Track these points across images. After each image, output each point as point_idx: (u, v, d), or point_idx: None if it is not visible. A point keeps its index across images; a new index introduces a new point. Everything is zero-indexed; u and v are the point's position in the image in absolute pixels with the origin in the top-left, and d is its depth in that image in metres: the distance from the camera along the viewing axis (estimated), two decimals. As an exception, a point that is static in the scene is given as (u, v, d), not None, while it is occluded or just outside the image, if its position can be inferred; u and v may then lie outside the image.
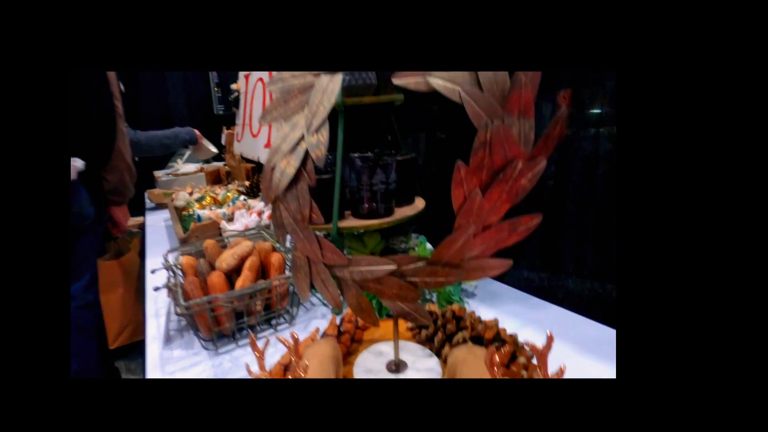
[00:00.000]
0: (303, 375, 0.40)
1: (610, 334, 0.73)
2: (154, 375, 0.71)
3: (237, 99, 1.69)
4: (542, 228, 0.47)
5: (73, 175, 1.18)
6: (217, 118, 2.81)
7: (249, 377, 0.51)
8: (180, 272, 0.88)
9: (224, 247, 0.93)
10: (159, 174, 2.11)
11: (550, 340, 0.38)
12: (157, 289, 0.82)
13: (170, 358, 0.76)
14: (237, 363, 0.73)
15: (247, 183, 1.56)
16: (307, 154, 0.54)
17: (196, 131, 1.99)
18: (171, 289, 0.77)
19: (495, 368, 0.42)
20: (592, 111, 0.82)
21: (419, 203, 0.92)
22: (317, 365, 0.50)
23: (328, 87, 0.54)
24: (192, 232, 1.16)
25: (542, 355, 0.37)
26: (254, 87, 1.58)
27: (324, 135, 0.54)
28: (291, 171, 0.55)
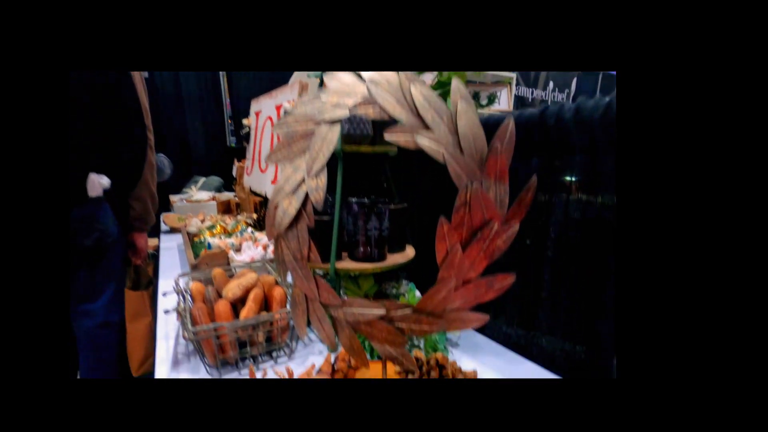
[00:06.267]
0: None
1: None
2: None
3: (248, 134, 1.72)
4: (519, 290, 0.44)
5: (99, 192, 1.18)
6: (230, 150, 2.85)
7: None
8: (189, 297, 0.88)
9: (231, 276, 0.94)
10: (175, 199, 2.13)
11: None
12: (167, 312, 0.82)
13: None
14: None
15: (254, 215, 1.58)
16: (307, 196, 0.55)
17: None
18: (180, 314, 0.77)
19: None
20: (566, 179, 0.84)
21: (410, 252, 0.94)
22: None
23: (328, 135, 0.55)
24: (202, 259, 1.17)
25: None
26: (263, 125, 1.60)
27: (322, 180, 0.55)
28: (292, 211, 0.56)
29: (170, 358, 0.84)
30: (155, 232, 1.90)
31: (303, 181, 0.55)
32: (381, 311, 0.54)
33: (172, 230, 1.85)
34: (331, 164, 0.78)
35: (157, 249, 1.77)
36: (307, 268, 0.56)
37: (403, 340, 0.54)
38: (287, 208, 0.56)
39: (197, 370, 0.80)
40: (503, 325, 0.94)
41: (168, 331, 0.96)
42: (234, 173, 1.94)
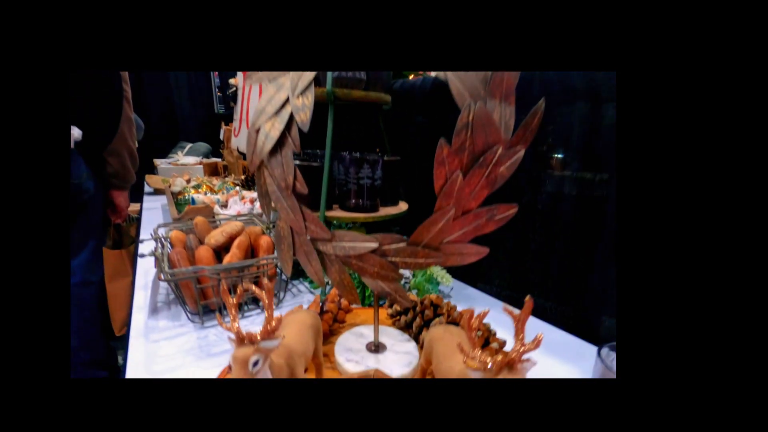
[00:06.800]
0: (272, 328, 0.36)
1: (569, 339, 0.74)
2: (137, 342, 0.68)
3: (235, 94, 1.65)
4: (512, 254, 0.41)
5: (70, 144, 1.12)
6: (218, 116, 2.75)
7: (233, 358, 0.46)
8: (168, 244, 0.84)
9: (215, 227, 0.90)
10: (159, 162, 2.05)
11: (528, 305, 0.35)
12: (142, 256, 0.78)
13: (155, 327, 0.73)
14: (222, 337, 0.70)
15: (242, 177, 1.52)
16: (292, 118, 0.51)
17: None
18: (158, 258, 0.73)
19: (471, 331, 0.38)
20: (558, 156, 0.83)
21: (403, 206, 0.91)
22: (296, 330, 0.47)
23: (315, 49, 0.50)
24: (186, 213, 1.12)
25: (520, 320, 0.34)
26: (251, 84, 1.53)
27: (309, 98, 0.50)
28: (275, 134, 0.51)
29: (147, 306, 0.80)
30: (138, 197, 1.83)
31: (287, 100, 0.51)
32: (373, 244, 0.51)
33: (156, 192, 1.78)
34: (320, 115, 0.74)
35: (139, 213, 1.70)
36: (292, 198, 0.52)
37: (397, 275, 0.51)
38: (269, 131, 0.51)
39: (178, 318, 0.76)
40: (495, 286, 0.92)
41: (147, 281, 0.92)
42: (221, 137, 1.87)
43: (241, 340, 0.34)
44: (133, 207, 1.67)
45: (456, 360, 0.43)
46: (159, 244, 0.81)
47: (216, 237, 0.79)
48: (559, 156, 0.83)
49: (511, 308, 0.34)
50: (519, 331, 0.34)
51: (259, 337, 0.35)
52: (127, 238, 1.62)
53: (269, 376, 0.37)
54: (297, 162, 0.77)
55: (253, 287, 0.38)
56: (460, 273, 0.97)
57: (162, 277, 0.66)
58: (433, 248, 0.49)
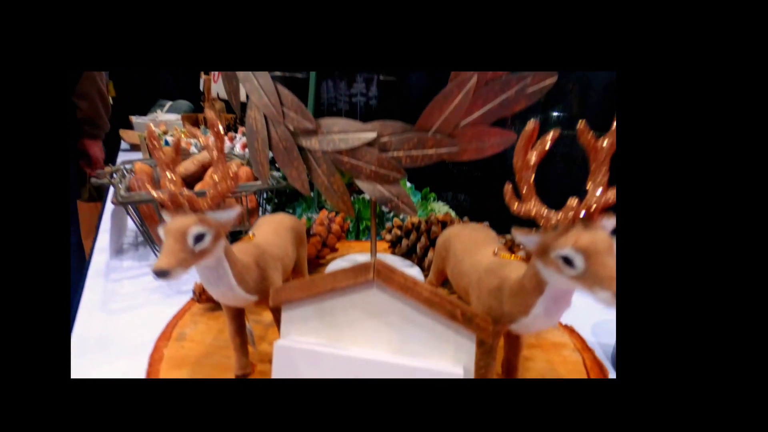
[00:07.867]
0: (224, 190, 0.26)
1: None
2: (95, 282, 0.58)
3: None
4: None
5: None
6: (198, 73, 2.58)
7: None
8: (131, 174, 0.72)
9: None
10: (136, 118, 1.90)
11: (612, 134, 0.24)
12: (97, 182, 0.67)
13: (118, 267, 0.62)
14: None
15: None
16: None
17: None
18: (114, 184, 0.62)
19: (526, 169, 0.26)
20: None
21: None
22: (271, 230, 0.37)
23: None
24: (159, 157, 1.00)
25: (602, 152, 0.22)
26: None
27: None
28: None
29: (109, 247, 0.69)
30: (113, 158, 1.69)
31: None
32: (370, 134, 0.40)
33: (133, 148, 1.65)
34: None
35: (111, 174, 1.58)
36: (266, 76, 0.41)
37: (400, 174, 0.41)
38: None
39: (145, 258, 0.66)
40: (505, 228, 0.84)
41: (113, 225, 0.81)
42: (201, 87, 1.72)
43: (178, 204, 0.24)
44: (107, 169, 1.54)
45: (483, 253, 0.33)
46: (120, 176, 0.69)
47: (186, 166, 0.68)
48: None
49: (590, 134, 0.24)
50: (599, 168, 0.23)
51: (205, 204, 0.24)
52: (103, 193, 1.49)
53: (227, 268, 0.27)
54: (278, 73, 0.66)
55: (191, 129, 0.27)
56: (467, 212, 0.88)
57: (116, 200, 0.55)
58: (445, 135, 0.39)
